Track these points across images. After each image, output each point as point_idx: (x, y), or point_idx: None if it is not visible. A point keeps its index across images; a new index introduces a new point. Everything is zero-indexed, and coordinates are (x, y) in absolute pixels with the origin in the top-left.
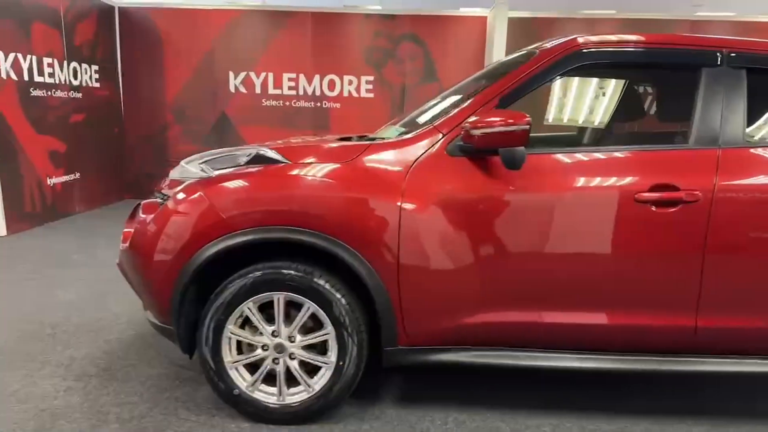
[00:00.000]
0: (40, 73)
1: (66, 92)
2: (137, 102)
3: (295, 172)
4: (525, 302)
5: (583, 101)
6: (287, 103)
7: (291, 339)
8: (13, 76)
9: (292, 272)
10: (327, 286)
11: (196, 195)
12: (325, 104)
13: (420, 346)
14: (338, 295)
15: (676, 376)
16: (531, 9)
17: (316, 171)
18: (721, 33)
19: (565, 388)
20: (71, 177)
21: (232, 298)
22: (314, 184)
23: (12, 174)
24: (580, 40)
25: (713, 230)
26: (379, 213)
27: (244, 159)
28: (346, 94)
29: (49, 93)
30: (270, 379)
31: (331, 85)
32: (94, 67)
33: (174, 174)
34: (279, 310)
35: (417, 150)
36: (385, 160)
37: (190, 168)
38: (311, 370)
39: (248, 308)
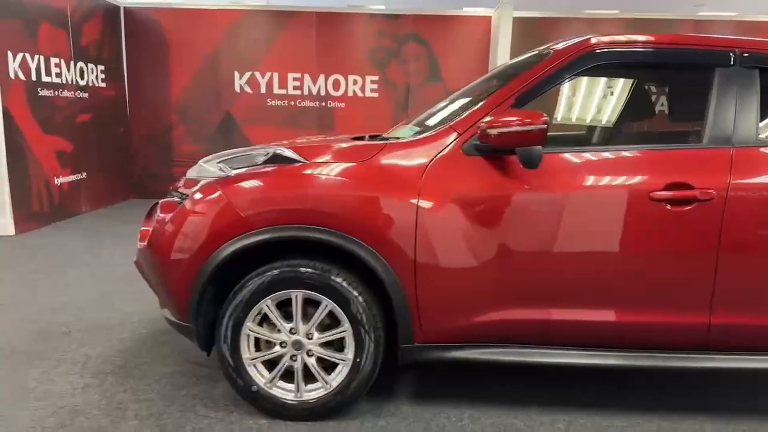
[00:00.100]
0: (48, 73)
1: (73, 92)
2: (142, 102)
3: (312, 171)
4: (540, 300)
5: (596, 101)
6: (292, 103)
7: (309, 336)
8: (21, 76)
9: (310, 270)
10: (344, 283)
11: (215, 194)
12: (330, 104)
13: (435, 344)
14: (355, 293)
15: (689, 372)
16: (535, 9)
17: (333, 170)
18: (723, 33)
19: (578, 384)
20: (78, 177)
21: (250, 295)
22: (332, 183)
23: (20, 174)
24: (593, 40)
25: (727, 228)
26: (396, 211)
27: (262, 158)
28: (350, 93)
29: (57, 93)
30: (287, 375)
31: (336, 85)
32: (100, 67)
33: (191, 173)
34: (297, 308)
35: (433, 149)
36: (401, 159)
37: (208, 167)
38: (328, 366)
39: (266, 306)
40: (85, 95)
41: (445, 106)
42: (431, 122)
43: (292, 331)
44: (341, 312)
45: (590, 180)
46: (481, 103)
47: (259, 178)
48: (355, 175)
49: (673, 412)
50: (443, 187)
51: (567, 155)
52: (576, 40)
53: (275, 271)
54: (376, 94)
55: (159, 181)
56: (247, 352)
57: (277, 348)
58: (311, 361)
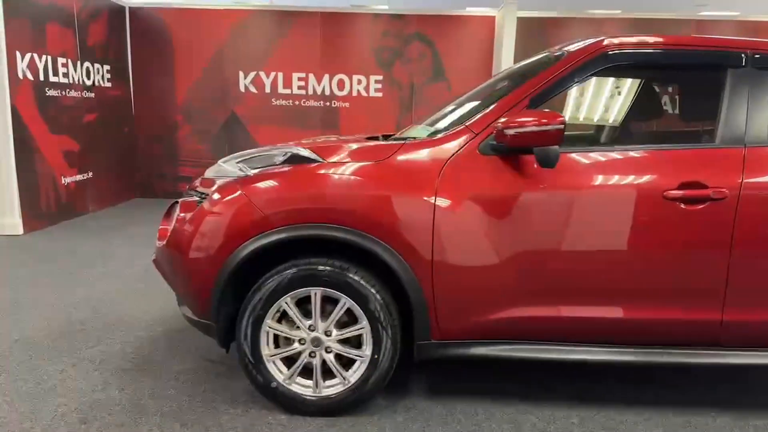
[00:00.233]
0: (55, 73)
1: (79, 92)
2: (147, 102)
3: (331, 170)
4: (555, 297)
5: (610, 101)
6: (297, 103)
7: (327, 333)
8: (30, 76)
9: (329, 268)
10: (362, 281)
11: (235, 193)
12: (335, 104)
13: (451, 340)
14: (373, 291)
15: (700, 368)
16: (539, 9)
17: (352, 169)
18: (726, 33)
19: (591, 380)
20: (84, 176)
21: (270, 293)
22: (351, 182)
23: (28, 173)
24: (606, 42)
25: (739, 227)
26: (414, 210)
27: (280, 158)
28: (355, 93)
29: (64, 93)
30: (305, 372)
31: (341, 85)
32: (106, 67)
33: (209, 173)
34: (316, 305)
35: (449, 149)
36: (418, 158)
37: (228, 167)
38: (345, 363)
39: (286, 303)
40: (92, 95)
41: (458, 107)
42: (445, 122)
43: (311, 328)
44: (359, 309)
45: (605, 179)
46: (496, 104)
47: (278, 178)
48: (374, 175)
49: (684, 407)
50: (460, 186)
51: (582, 155)
52: (589, 42)
53: (295, 269)
54: (380, 94)
55: (164, 181)
56: (266, 348)
57: (296, 345)
58: (330, 358)
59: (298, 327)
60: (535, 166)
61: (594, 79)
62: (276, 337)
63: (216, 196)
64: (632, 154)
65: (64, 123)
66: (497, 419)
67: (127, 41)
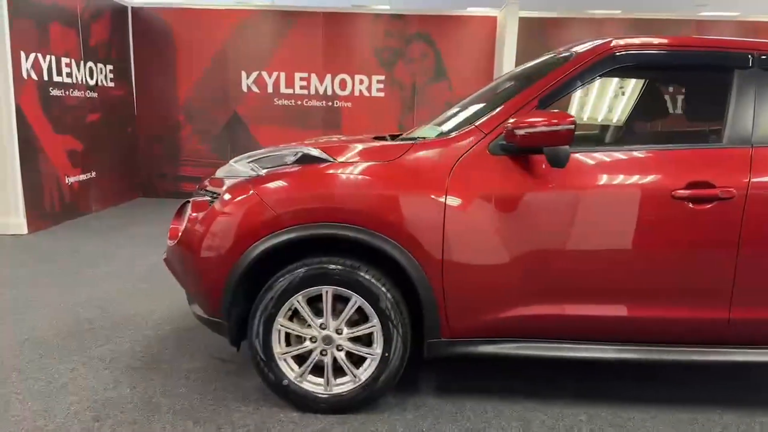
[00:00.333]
0: (59, 72)
1: (83, 92)
2: (150, 101)
3: (342, 170)
4: (565, 296)
5: (618, 102)
6: (299, 103)
7: (338, 331)
8: (34, 76)
9: (340, 267)
10: (373, 280)
11: (248, 193)
12: (337, 103)
13: (461, 338)
14: (384, 289)
15: (706, 366)
16: (540, 9)
17: (363, 169)
18: (726, 33)
19: (598, 378)
20: (87, 176)
21: (282, 292)
22: (362, 182)
23: (33, 173)
24: (614, 43)
25: (747, 226)
26: (425, 209)
27: (291, 158)
28: (357, 93)
29: (67, 93)
30: (316, 369)
31: (343, 85)
32: (109, 67)
33: (220, 173)
34: (327, 304)
35: (459, 149)
36: (428, 158)
37: (239, 167)
38: (356, 361)
39: (297, 302)
40: (95, 95)
41: (466, 107)
42: (454, 123)
43: (322, 327)
44: (370, 308)
45: (613, 179)
46: (505, 104)
47: (290, 178)
48: (385, 174)
49: (689, 404)
50: (470, 185)
51: (591, 155)
52: (597, 43)
53: (306, 268)
54: (382, 94)
55: (166, 181)
56: (278, 346)
57: (308, 343)
58: (341, 356)
59: (309, 325)
60: (544, 166)
61: (601, 79)
62: (287, 335)
63: (228, 195)
64: (640, 154)
65: (68, 123)
66: (506, 416)
67: (130, 41)
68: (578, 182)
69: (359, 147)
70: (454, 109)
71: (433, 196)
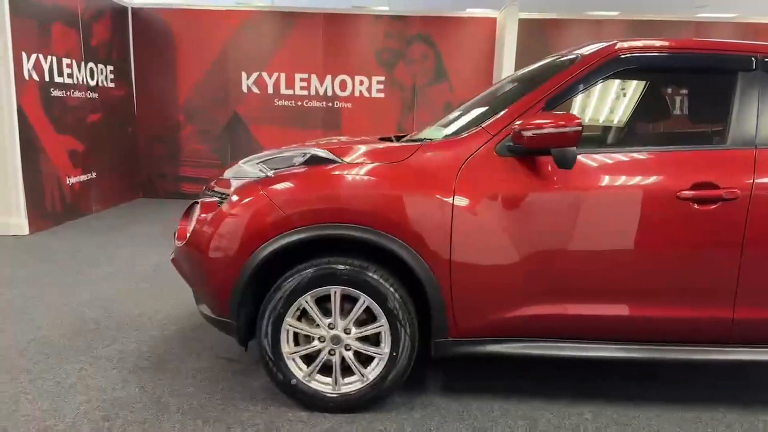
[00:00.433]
0: (60, 73)
1: (84, 92)
2: (150, 102)
3: (351, 171)
4: (572, 296)
5: (622, 103)
6: (299, 103)
7: (346, 331)
8: (35, 77)
9: (348, 267)
10: (381, 280)
11: (257, 194)
12: (337, 104)
13: (469, 338)
14: (391, 289)
15: (710, 365)
16: (538, 10)
17: (371, 170)
18: (725, 34)
19: (603, 378)
20: (88, 176)
21: (291, 292)
22: (370, 183)
23: (34, 173)
24: (618, 45)
25: (751, 226)
26: (432, 210)
27: (300, 159)
28: (357, 94)
29: (68, 93)
30: (324, 369)
31: (343, 86)
32: (109, 68)
33: (228, 174)
34: (336, 303)
35: (466, 150)
36: (436, 159)
37: (248, 168)
38: (363, 360)
39: (306, 302)
40: (95, 95)
41: (471, 109)
42: (460, 124)
43: (330, 326)
44: (378, 307)
45: (619, 180)
46: (512, 106)
47: (299, 179)
48: (393, 175)
49: (693, 403)
50: (477, 186)
51: (597, 156)
52: (602, 45)
53: (315, 268)
54: (382, 95)
55: (166, 181)
56: (286, 346)
57: (316, 342)
58: (349, 355)
59: (317, 325)
60: (550, 167)
61: (606, 81)
62: (296, 335)
63: (237, 196)
64: (645, 155)
65: (69, 123)
66: (512, 415)
67: (130, 42)
68: (584, 183)
69: (367, 148)
70: (460, 111)
71: (441, 197)
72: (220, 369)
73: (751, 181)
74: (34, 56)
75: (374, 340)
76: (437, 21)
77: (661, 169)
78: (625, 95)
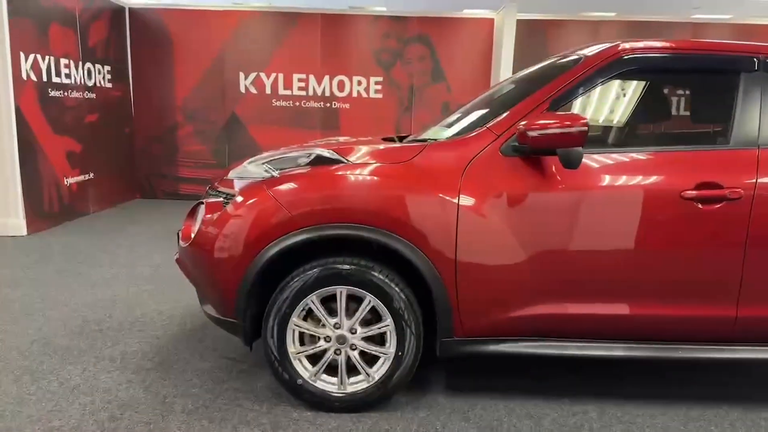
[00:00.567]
0: (58, 73)
1: (81, 93)
2: (148, 102)
3: (357, 171)
4: (575, 296)
5: (626, 104)
6: (297, 104)
7: (352, 331)
8: (33, 77)
9: (354, 267)
10: (386, 280)
11: (263, 195)
12: (335, 104)
13: (474, 337)
14: (397, 289)
15: (713, 363)
16: (535, 11)
17: (377, 170)
18: (720, 36)
19: (607, 376)
20: (86, 177)
21: (297, 292)
22: (376, 183)
23: (32, 174)
24: (621, 46)
25: (754, 225)
26: (438, 210)
27: (305, 159)
28: (355, 94)
29: (66, 93)
30: (329, 369)
31: (341, 86)
32: (107, 68)
33: (233, 174)
34: (341, 303)
35: (471, 150)
36: (441, 159)
37: (253, 168)
38: (368, 360)
39: (312, 302)
40: (93, 96)
41: (475, 110)
42: (464, 125)
43: (336, 326)
44: (384, 307)
45: (624, 180)
46: (516, 106)
47: (304, 179)
48: (398, 175)
49: (696, 401)
50: (482, 186)
51: (602, 156)
52: (606, 46)
53: (321, 268)
54: (380, 95)
55: (164, 181)
56: (292, 346)
57: (322, 342)
58: (354, 355)
59: (323, 325)
60: (555, 167)
61: (611, 82)
62: (301, 335)
63: (243, 197)
64: (649, 155)
65: (67, 124)
66: (517, 414)
67: (127, 42)
68: (589, 183)
69: (372, 148)
70: (464, 111)
71: (446, 197)
72: (224, 369)
73: (754, 180)
74: (32, 56)
75: (380, 339)
76: (435, 21)
77: (665, 170)
78: (628, 96)
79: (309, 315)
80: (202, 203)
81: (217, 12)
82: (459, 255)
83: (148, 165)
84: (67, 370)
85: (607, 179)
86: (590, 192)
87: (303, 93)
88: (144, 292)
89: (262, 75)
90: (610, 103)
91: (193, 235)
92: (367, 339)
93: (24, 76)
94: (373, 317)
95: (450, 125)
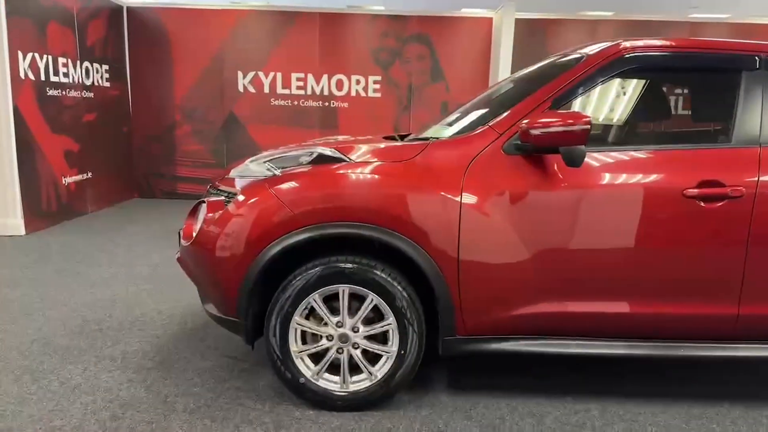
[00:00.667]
0: (56, 72)
1: (79, 92)
2: (146, 101)
3: (359, 170)
4: (577, 294)
5: (628, 102)
6: (296, 103)
7: (354, 329)
8: (31, 76)
9: (356, 266)
10: (389, 279)
11: (264, 193)
12: (334, 103)
13: (477, 336)
14: (399, 288)
15: (714, 361)
16: (533, 10)
17: (379, 169)
18: (718, 35)
19: (609, 375)
20: (84, 176)
21: (299, 291)
22: (379, 182)
23: (30, 173)
24: (623, 45)
25: (756, 223)
26: (440, 208)
27: (307, 158)
28: (353, 93)
29: (64, 93)
30: (331, 368)
31: (339, 85)
32: (105, 67)
33: (235, 173)
34: (344, 302)
35: (474, 148)
36: (443, 158)
37: (255, 167)
38: (371, 358)
39: (314, 300)
40: (91, 95)
41: (476, 108)
42: (466, 123)
43: (338, 325)
44: (386, 306)
45: (626, 178)
46: (519, 105)
47: (307, 178)
48: (401, 174)
49: (697, 399)
50: (485, 184)
51: (604, 155)
52: (607, 45)
53: (323, 267)
54: (378, 94)
55: (162, 181)
56: (294, 345)
57: (324, 341)
58: (357, 353)
59: (325, 323)
60: (557, 165)
61: (613, 80)
62: (303, 333)
63: (245, 195)
64: (651, 154)
65: (65, 123)
66: (519, 412)
67: (125, 41)
68: (591, 181)
69: (374, 147)
70: (465, 110)
71: (448, 195)
72: (226, 368)
73: (756, 178)
74: (30, 55)
75: (382, 338)
76: (433, 21)
77: (667, 168)
78: (629, 94)
79: (311, 313)
80: (204, 202)
81: (215, 11)
82: (461, 253)
83: (146, 164)
84: (68, 369)
85: (609, 178)
86: (592, 190)
87: (301, 92)
88: (143, 292)
89: (261, 74)
90: (612, 101)
91: (194, 234)
92: (370, 337)
93: (22, 75)
94: (376, 316)
95: (451, 124)
